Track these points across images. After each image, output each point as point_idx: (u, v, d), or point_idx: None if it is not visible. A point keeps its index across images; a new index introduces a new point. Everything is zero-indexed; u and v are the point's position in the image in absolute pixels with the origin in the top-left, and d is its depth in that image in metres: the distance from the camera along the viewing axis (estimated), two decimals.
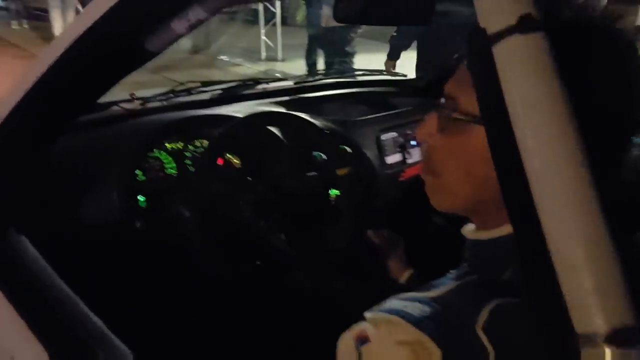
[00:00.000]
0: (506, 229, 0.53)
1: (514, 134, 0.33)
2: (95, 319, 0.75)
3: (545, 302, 0.33)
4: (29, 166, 0.87)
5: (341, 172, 1.18)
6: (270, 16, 7.88)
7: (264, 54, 7.71)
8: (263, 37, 7.64)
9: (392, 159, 1.50)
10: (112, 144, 1.15)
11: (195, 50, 7.20)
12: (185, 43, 7.64)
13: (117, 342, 0.72)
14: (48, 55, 0.69)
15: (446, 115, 0.55)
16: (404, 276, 1.03)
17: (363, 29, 4.59)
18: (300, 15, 9.65)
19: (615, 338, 0.29)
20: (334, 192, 1.32)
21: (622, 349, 0.29)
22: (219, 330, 1.12)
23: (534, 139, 0.32)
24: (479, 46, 0.35)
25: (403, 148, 1.53)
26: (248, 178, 1.24)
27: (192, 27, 0.57)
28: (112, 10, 0.57)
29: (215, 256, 1.04)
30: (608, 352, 0.29)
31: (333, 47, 4.45)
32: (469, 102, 0.51)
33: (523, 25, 0.32)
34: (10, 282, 0.83)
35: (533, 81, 0.32)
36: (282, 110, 1.35)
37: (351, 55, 4.49)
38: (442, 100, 0.57)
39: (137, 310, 0.99)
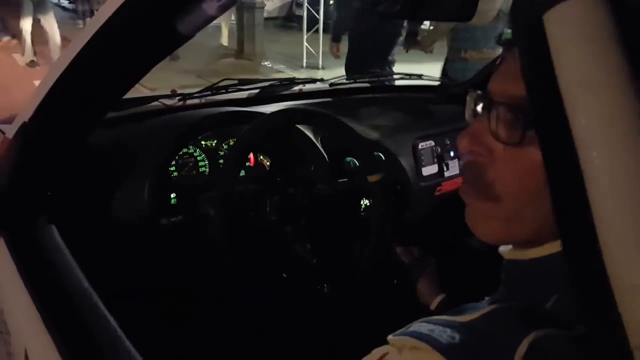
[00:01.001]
0: (550, 247, 0.45)
1: (569, 123, 0.27)
2: (111, 319, 0.73)
3: (602, 327, 0.27)
4: (61, 158, 0.88)
5: (372, 178, 1.13)
6: (313, 23, 7.97)
7: (305, 62, 7.77)
8: (305, 44, 7.71)
9: (429, 170, 1.43)
10: (148, 139, 1.15)
11: (240, 56, 7.32)
12: (231, 49, 7.75)
13: (130, 347, 0.69)
14: (74, 47, 0.68)
15: (511, 122, 0.43)
16: (435, 301, 0.93)
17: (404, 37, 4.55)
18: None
19: None
20: (364, 202, 1.27)
21: None
22: (236, 338, 1.10)
23: (592, 129, 0.26)
24: (527, 15, 0.28)
25: (441, 159, 1.46)
26: (277, 179, 1.21)
27: (222, 8, 0.54)
28: None
29: (238, 262, 1.00)
30: None
31: (374, 54, 4.42)
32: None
33: None
34: (32, 270, 0.84)
35: (589, 55, 0.26)
36: (313, 108, 1.32)
37: (391, 63, 4.44)
38: (496, 99, 0.45)
39: (153, 312, 0.97)
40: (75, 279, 0.79)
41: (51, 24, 5.96)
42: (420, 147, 1.41)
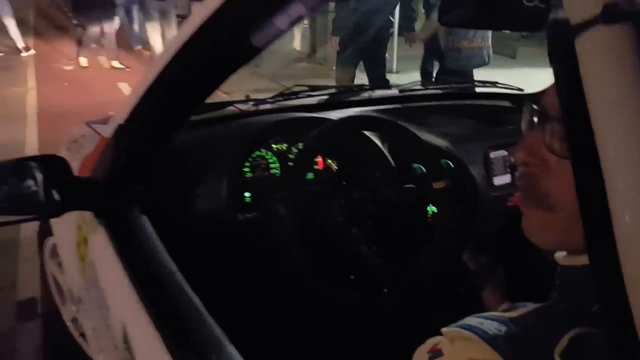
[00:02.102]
0: None
1: (595, 139, 0.29)
2: (194, 296, 0.82)
3: (621, 332, 0.30)
4: (151, 156, 0.99)
5: (437, 185, 1.15)
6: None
7: (395, 66, 7.66)
8: (395, 49, 7.44)
9: (501, 180, 1.41)
10: (225, 141, 1.24)
11: (312, 61, 7.40)
12: (304, 53, 7.87)
13: (211, 320, 0.78)
14: (163, 57, 0.78)
15: (559, 133, 0.45)
16: (499, 310, 0.95)
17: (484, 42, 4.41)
18: (419, 25, 9.58)
19: None
20: (431, 209, 1.28)
21: None
22: (302, 333, 1.15)
23: (615, 146, 0.28)
24: (561, 38, 0.31)
25: (514, 169, 1.42)
26: (343, 182, 1.26)
27: (292, 23, 0.59)
28: (221, 11, 0.63)
29: (306, 259, 1.06)
30: None
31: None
32: None
33: (607, 15, 0.28)
34: (127, 253, 0.95)
35: (615, 78, 0.28)
36: (380, 115, 1.36)
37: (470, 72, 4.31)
38: (545, 112, 0.48)
39: (230, 292, 1.06)
40: (164, 262, 0.90)
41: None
42: (492, 156, 1.39)
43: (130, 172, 1.00)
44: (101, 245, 1.03)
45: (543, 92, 0.50)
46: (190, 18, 0.70)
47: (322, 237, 1.14)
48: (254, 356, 0.71)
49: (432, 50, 4.57)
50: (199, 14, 0.66)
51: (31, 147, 3.99)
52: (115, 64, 6.75)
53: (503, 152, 1.42)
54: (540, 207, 0.49)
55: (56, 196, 0.97)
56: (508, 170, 1.41)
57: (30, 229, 2.53)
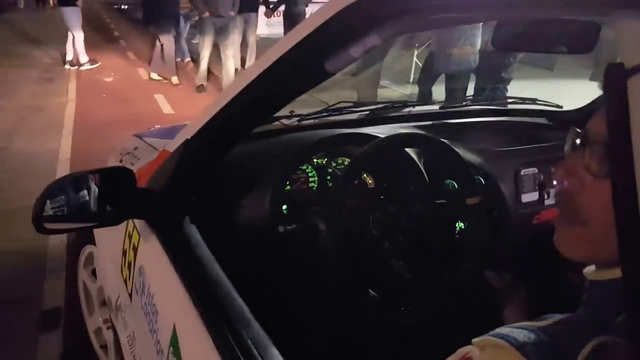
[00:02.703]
0: None
1: (634, 162, 0.34)
2: (240, 299, 0.89)
3: None
4: (206, 170, 1.06)
5: (471, 201, 1.17)
6: (426, 39, 7.77)
7: (412, 77, 7.68)
8: (415, 59, 7.50)
9: (529, 197, 1.42)
10: (270, 156, 1.30)
11: (352, 73, 7.36)
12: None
13: (254, 321, 0.84)
14: (242, 80, 0.85)
15: (602, 157, 0.50)
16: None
17: (522, 53, 4.40)
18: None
19: None
20: (459, 225, 1.30)
21: None
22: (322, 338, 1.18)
23: None
24: (615, 79, 0.35)
25: (542, 187, 1.44)
26: (381, 197, 1.29)
27: (365, 52, 0.64)
28: (307, 38, 0.68)
29: (345, 273, 1.09)
30: None
31: (488, 71, 4.28)
32: None
33: None
34: (179, 260, 1.02)
35: None
36: (421, 132, 1.38)
37: (507, 81, 4.26)
38: (590, 137, 0.53)
39: (272, 297, 1.10)
40: (213, 268, 0.96)
41: (227, 55, 6.16)
42: (522, 173, 1.41)
43: (187, 184, 1.07)
44: (153, 252, 1.10)
45: (587, 117, 0.55)
46: (277, 44, 0.76)
47: (356, 250, 1.17)
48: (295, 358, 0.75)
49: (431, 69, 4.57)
50: (288, 40, 0.72)
51: (64, 156, 4.16)
52: (155, 76, 6.94)
53: (534, 170, 1.43)
54: (574, 221, 0.54)
55: (114, 205, 1.03)
56: (537, 187, 1.42)
57: (58, 238, 2.70)
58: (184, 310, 0.90)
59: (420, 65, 7.41)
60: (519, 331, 0.51)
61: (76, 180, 1.04)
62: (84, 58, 7.33)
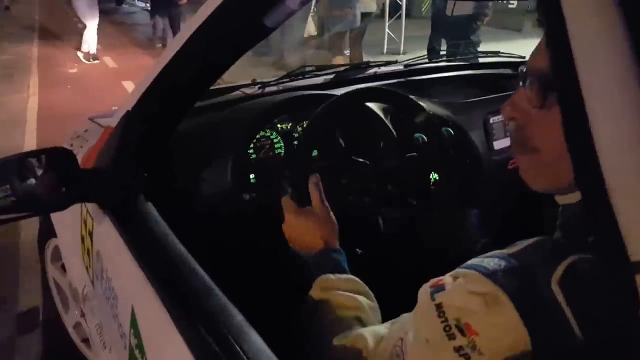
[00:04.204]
0: None
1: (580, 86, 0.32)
2: (204, 274, 0.81)
3: (605, 237, 0.33)
4: (157, 143, 0.99)
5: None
6: (394, 9, 7.85)
7: (386, 48, 7.67)
8: (387, 31, 7.62)
9: (501, 143, 1.44)
10: (229, 124, 1.24)
11: (321, 47, 7.23)
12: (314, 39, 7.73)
13: (221, 294, 0.77)
14: (175, 43, 0.79)
15: (542, 89, 0.52)
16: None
17: (490, 17, 4.48)
18: (425, 5, 9.48)
19: None
20: (434, 176, 1.29)
21: None
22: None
23: (597, 83, 0.31)
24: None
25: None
26: (352, 157, 1.25)
27: (303, 3, 0.62)
28: None
29: None
30: None
31: (457, 36, 4.39)
32: None
33: None
34: (135, 240, 0.95)
35: (598, 33, 0.31)
36: (380, 86, 1.35)
37: (476, 44, 4.40)
38: (529, 72, 0.54)
39: (238, 268, 1.05)
40: (171, 243, 0.89)
41: None
42: (491, 121, 1.41)
43: (134, 159, 1.00)
44: (107, 234, 1.04)
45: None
46: (203, 5, 0.71)
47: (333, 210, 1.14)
48: (263, 326, 0.70)
49: (439, 27, 4.61)
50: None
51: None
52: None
53: (501, 117, 1.43)
54: (527, 151, 0.56)
55: (61, 189, 0.97)
56: (507, 133, 1.43)
57: (30, 233, 2.53)
58: (141, 289, 0.84)
59: (395, 37, 7.52)
60: (489, 260, 0.51)
61: (18, 167, 0.97)
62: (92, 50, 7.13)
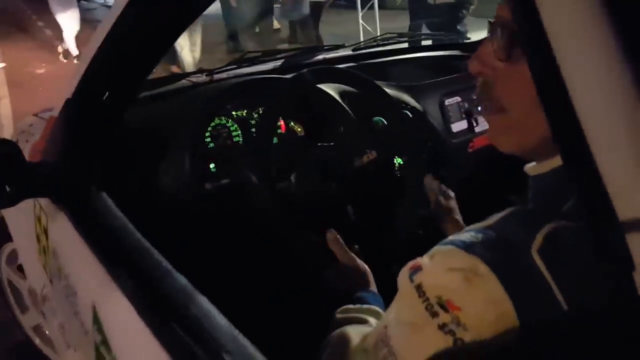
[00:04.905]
0: None
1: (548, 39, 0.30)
2: (165, 262, 0.80)
3: (592, 198, 0.31)
4: (103, 131, 0.96)
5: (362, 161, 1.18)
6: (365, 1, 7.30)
7: (362, 40, 7.30)
8: (361, 22, 7.10)
9: (458, 126, 1.44)
10: (181, 113, 1.21)
11: (293, 41, 6.74)
12: (284, 32, 7.25)
13: (187, 283, 0.75)
14: (108, 22, 0.75)
15: (507, 41, 0.50)
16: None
17: (475, 5, 4.30)
18: None
19: None
20: (398, 161, 1.29)
21: None
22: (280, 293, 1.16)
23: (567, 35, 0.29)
24: None
25: (469, 115, 1.46)
26: (311, 144, 1.25)
27: None
28: None
29: (285, 224, 1.06)
30: None
31: (441, 26, 4.14)
32: None
33: None
34: (92, 233, 0.92)
35: None
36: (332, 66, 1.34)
37: (463, 34, 4.23)
38: (496, 23, 0.52)
39: (200, 267, 1.05)
40: (131, 235, 0.87)
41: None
42: (447, 103, 1.42)
43: (82, 149, 0.96)
44: (62, 230, 1.00)
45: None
46: None
47: (298, 199, 1.14)
48: (229, 309, 0.70)
49: (419, 16, 4.54)
50: None
51: None
52: None
53: (457, 98, 1.45)
54: (494, 110, 0.55)
55: (7, 185, 0.93)
56: (464, 115, 1.45)
57: None
58: (101, 283, 0.82)
59: (368, 27, 7.01)
60: (465, 234, 0.49)
61: None
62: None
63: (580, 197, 0.35)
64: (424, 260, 0.51)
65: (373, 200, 1.24)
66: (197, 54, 5.71)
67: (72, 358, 1.12)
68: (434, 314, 0.47)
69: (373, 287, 0.89)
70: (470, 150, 1.45)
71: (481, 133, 1.46)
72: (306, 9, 5.42)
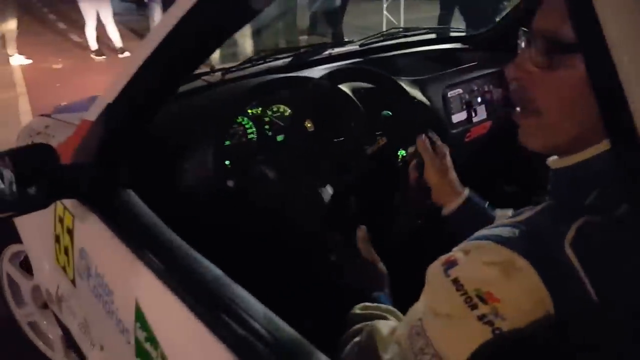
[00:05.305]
0: (592, 150, 0.54)
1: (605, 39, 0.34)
2: (212, 265, 0.83)
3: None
4: (136, 133, 0.98)
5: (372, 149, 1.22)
6: None
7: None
8: (385, 13, 6.98)
9: (458, 117, 1.48)
10: (203, 113, 1.23)
11: (313, 33, 6.58)
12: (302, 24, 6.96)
13: (218, 270, 0.80)
14: (158, 30, 0.78)
15: (547, 49, 0.53)
16: (453, 203, 0.97)
17: None
18: None
19: None
20: (401, 152, 1.34)
21: None
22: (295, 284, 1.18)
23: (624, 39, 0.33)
24: None
25: (469, 106, 1.51)
26: (322, 137, 1.28)
27: None
28: None
29: (303, 218, 1.09)
30: None
31: (479, 17, 4.07)
32: (571, 31, 0.49)
33: None
34: (124, 231, 0.95)
35: None
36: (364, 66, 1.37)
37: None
38: (535, 34, 0.55)
39: (229, 250, 1.06)
40: (166, 233, 0.90)
41: None
42: (449, 95, 1.47)
43: (117, 151, 0.99)
44: (93, 231, 1.02)
45: (502, 33, 0.58)
46: None
47: (312, 194, 1.17)
48: (263, 297, 0.74)
49: (451, 5, 4.49)
50: None
51: None
52: None
53: (459, 90, 1.50)
54: (529, 113, 0.58)
55: (39, 188, 0.93)
56: (464, 107, 1.50)
57: None
58: (145, 282, 0.85)
59: (393, 19, 6.81)
60: (499, 229, 0.52)
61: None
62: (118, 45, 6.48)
63: (628, 184, 0.38)
64: (457, 255, 0.54)
65: (377, 190, 1.28)
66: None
67: (98, 356, 1.14)
68: (474, 307, 0.49)
69: (387, 289, 0.91)
70: (467, 139, 1.50)
71: (478, 123, 1.51)
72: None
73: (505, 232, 0.51)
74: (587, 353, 0.48)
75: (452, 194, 0.98)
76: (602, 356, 0.48)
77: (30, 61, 6.24)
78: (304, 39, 5.78)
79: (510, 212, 0.60)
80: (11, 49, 6.21)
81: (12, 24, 6.12)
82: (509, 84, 0.61)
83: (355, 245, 0.99)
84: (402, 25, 6.58)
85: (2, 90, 5.19)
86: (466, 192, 0.98)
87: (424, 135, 1.04)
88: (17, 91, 5.27)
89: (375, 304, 0.81)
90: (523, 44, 0.58)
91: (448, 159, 1.03)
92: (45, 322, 1.70)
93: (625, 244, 0.45)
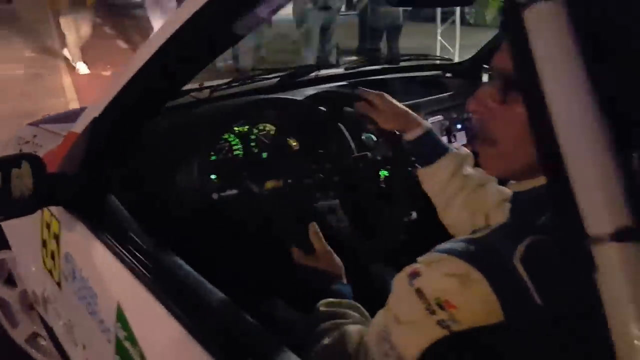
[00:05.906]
0: (541, 180, 0.60)
1: (543, 93, 0.38)
2: (191, 270, 0.88)
3: (566, 215, 0.39)
4: (121, 146, 1.03)
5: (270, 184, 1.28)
6: (447, 15, 6.96)
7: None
8: (439, 38, 6.84)
9: None
10: (190, 128, 1.28)
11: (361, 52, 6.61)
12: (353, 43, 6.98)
13: (199, 277, 0.85)
14: (146, 49, 0.82)
15: (503, 86, 0.60)
16: (414, 132, 1.03)
17: None
18: (490, 14, 8.62)
19: (617, 236, 0.36)
20: (383, 173, 1.39)
21: (623, 244, 0.36)
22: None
23: (557, 97, 0.38)
24: (512, 11, 0.40)
25: (449, 132, 1.58)
26: (306, 158, 1.34)
27: (273, 12, 0.67)
28: (207, 4, 0.68)
29: (290, 234, 1.12)
30: (613, 246, 0.36)
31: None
32: None
33: None
34: (112, 239, 0.99)
35: (555, 44, 0.37)
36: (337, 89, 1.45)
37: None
38: (493, 71, 0.62)
39: (213, 256, 1.10)
40: (149, 241, 0.95)
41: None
42: (430, 121, 1.49)
43: (102, 163, 1.04)
44: (77, 236, 1.07)
45: (479, 64, 0.64)
46: (175, 12, 0.75)
47: (298, 212, 1.23)
48: (243, 301, 0.79)
49: None
50: (188, 7, 0.71)
51: None
52: None
53: (440, 117, 1.56)
54: (487, 143, 0.65)
55: (25, 195, 0.99)
56: (444, 133, 1.56)
57: None
58: (127, 286, 0.90)
59: (447, 45, 6.57)
60: (458, 244, 0.59)
61: None
62: None
63: (557, 214, 0.42)
64: (420, 267, 0.60)
65: (359, 207, 1.33)
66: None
67: (81, 355, 1.18)
68: (433, 312, 0.55)
69: (344, 279, 0.98)
70: None
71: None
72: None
73: (464, 246, 0.57)
74: (534, 348, 0.53)
75: (410, 122, 1.04)
76: (547, 350, 0.53)
77: (88, 71, 6.12)
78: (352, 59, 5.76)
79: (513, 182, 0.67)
80: (76, 57, 6.11)
81: (85, 32, 5.99)
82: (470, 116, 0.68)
83: (309, 241, 1.03)
84: (456, 52, 6.51)
85: (53, 97, 5.12)
86: (426, 124, 1.04)
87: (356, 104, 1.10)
88: (68, 97, 5.21)
89: (338, 300, 0.86)
90: (485, 79, 0.66)
91: (386, 97, 1.09)
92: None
93: (564, 257, 0.49)
